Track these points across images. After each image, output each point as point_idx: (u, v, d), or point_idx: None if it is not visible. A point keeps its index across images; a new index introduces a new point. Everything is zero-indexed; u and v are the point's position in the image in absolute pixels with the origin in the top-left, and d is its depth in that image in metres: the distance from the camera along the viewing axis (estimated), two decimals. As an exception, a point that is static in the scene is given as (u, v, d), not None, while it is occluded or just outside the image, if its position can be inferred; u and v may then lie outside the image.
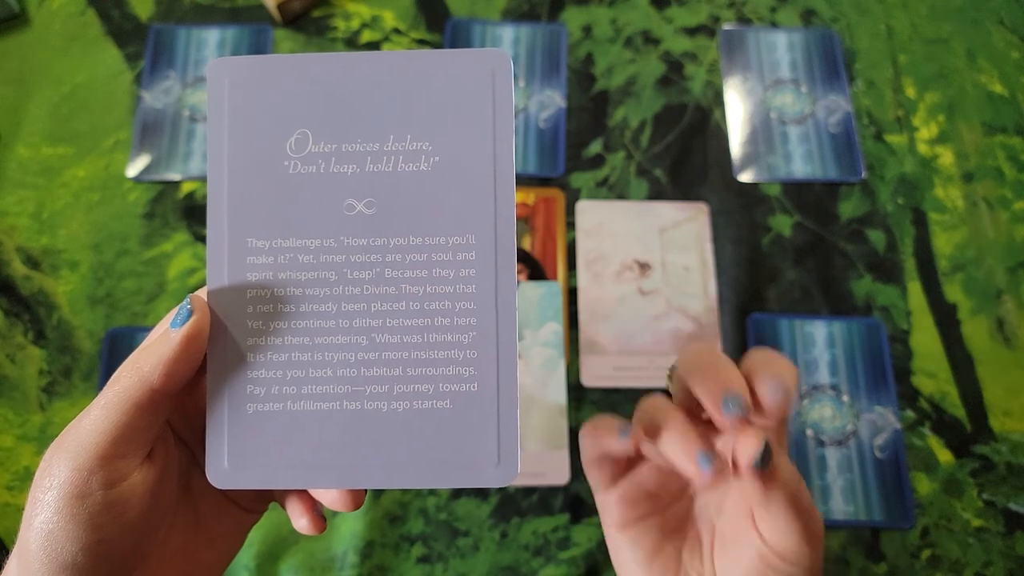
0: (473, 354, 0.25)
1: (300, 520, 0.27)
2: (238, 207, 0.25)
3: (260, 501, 0.29)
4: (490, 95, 0.26)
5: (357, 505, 0.26)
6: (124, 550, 0.24)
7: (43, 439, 0.50)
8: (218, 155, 0.26)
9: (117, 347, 0.52)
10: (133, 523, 0.24)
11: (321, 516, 0.28)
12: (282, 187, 0.25)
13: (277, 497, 0.29)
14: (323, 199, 0.25)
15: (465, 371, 0.25)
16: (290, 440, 0.25)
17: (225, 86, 0.26)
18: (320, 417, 0.25)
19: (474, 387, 0.25)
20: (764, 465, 0.24)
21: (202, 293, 0.26)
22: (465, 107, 0.26)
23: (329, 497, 0.26)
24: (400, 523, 0.49)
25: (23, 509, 0.50)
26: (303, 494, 0.28)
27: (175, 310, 0.25)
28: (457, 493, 0.49)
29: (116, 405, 0.23)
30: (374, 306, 0.25)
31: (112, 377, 0.24)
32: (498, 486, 0.25)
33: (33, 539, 0.23)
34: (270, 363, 0.25)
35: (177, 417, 0.27)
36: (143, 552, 0.25)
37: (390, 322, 0.25)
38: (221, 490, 0.27)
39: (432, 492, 0.49)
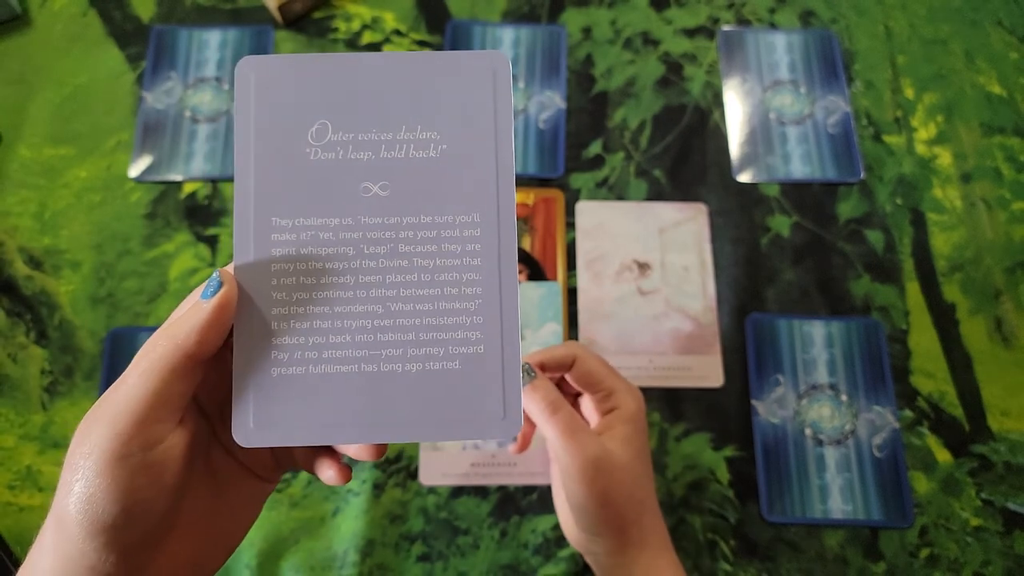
0: (479, 319, 0.27)
1: (327, 472, 0.29)
2: (264, 189, 0.28)
3: (276, 469, 0.31)
4: (491, 91, 0.28)
5: (380, 454, 0.29)
6: (159, 513, 0.25)
7: (45, 439, 0.50)
8: (245, 144, 0.28)
9: (119, 347, 0.52)
10: (169, 486, 0.25)
11: (347, 466, 0.30)
12: (304, 172, 0.28)
13: (300, 459, 0.30)
14: (342, 182, 0.28)
15: (472, 335, 0.27)
16: (312, 400, 0.27)
17: (252, 82, 0.28)
18: (340, 379, 0.27)
19: (480, 349, 0.27)
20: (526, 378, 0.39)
21: (229, 268, 0.27)
22: (470, 101, 0.28)
23: (353, 449, 0.29)
24: (400, 522, 0.49)
25: (25, 508, 0.50)
26: (327, 448, 0.30)
27: (203, 284, 0.26)
28: (457, 492, 0.50)
29: (154, 371, 0.25)
30: (389, 278, 0.28)
31: (143, 348, 0.26)
32: (504, 438, 0.27)
33: (73, 504, 0.24)
34: (293, 330, 0.27)
35: (200, 390, 0.28)
36: (173, 518, 0.26)
37: (403, 292, 0.28)
38: (238, 461, 0.29)
39: (432, 491, 0.50)
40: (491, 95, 0.28)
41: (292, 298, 0.27)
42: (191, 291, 0.55)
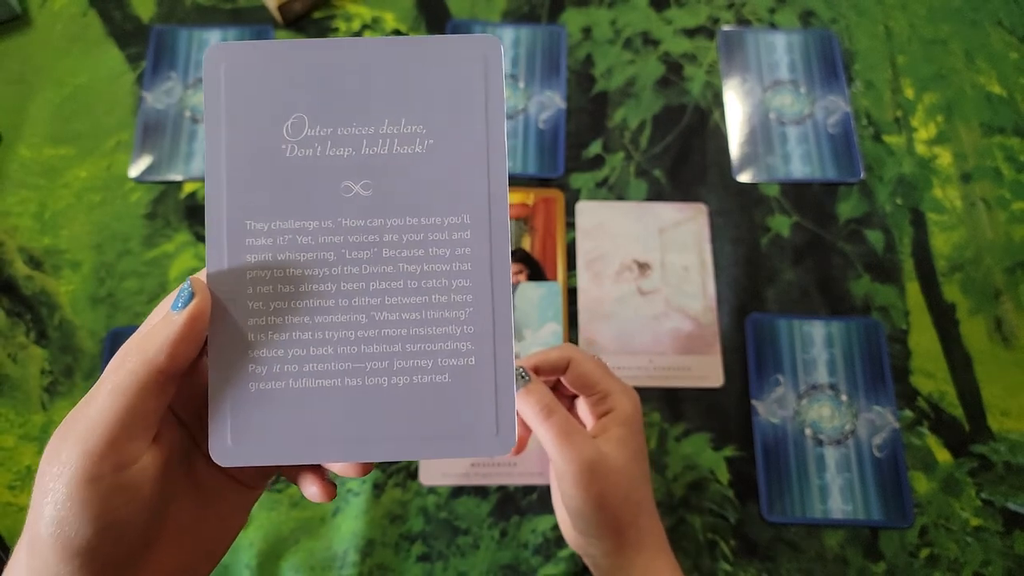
0: (470, 329, 0.26)
1: (310, 489, 0.28)
2: (236, 190, 0.26)
3: (262, 477, 0.30)
4: (482, 79, 0.26)
5: (367, 471, 0.27)
6: (136, 532, 0.24)
7: (45, 439, 0.50)
8: (215, 140, 0.26)
9: (119, 347, 0.52)
10: (144, 504, 0.24)
11: (331, 483, 0.28)
12: (279, 170, 0.26)
13: (284, 471, 0.29)
14: (320, 182, 0.26)
15: (463, 346, 0.26)
16: (293, 416, 0.25)
17: (222, 72, 0.26)
18: (322, 393, 0.26)
19: (472, 361, 0.26)
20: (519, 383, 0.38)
21: (201, 276, 0.26)
22: (458, 91, 0.26)
23: (338, 466, 0.27)
24: (400, 522, 0.49)
25: (25, 508, 0.50)
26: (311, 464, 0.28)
27: (174, 293, 0.25)
28: (457, 492, 0.50)
29: (124, 389, 0.23)
30: (373, 285, 0.26)
31: (113, 363, 0.24)
32: (497, 455, 0.26)
33: (44, 527, 0.23)
34: (271, 342, 0.26)
35: (176, 400, 0.27)
36: (153, 533, 0.25)
37: (389, 300, 0.26)
38: (223, 468, 0.28)
39: (432, 491, 0.50)
40: (482, 84, 0.26)
41: (270, 308, 0.26)
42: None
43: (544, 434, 0.38)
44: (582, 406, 0.42)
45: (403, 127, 0.26)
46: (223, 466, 0.26)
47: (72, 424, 0.24)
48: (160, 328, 0.24)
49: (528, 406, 0.38)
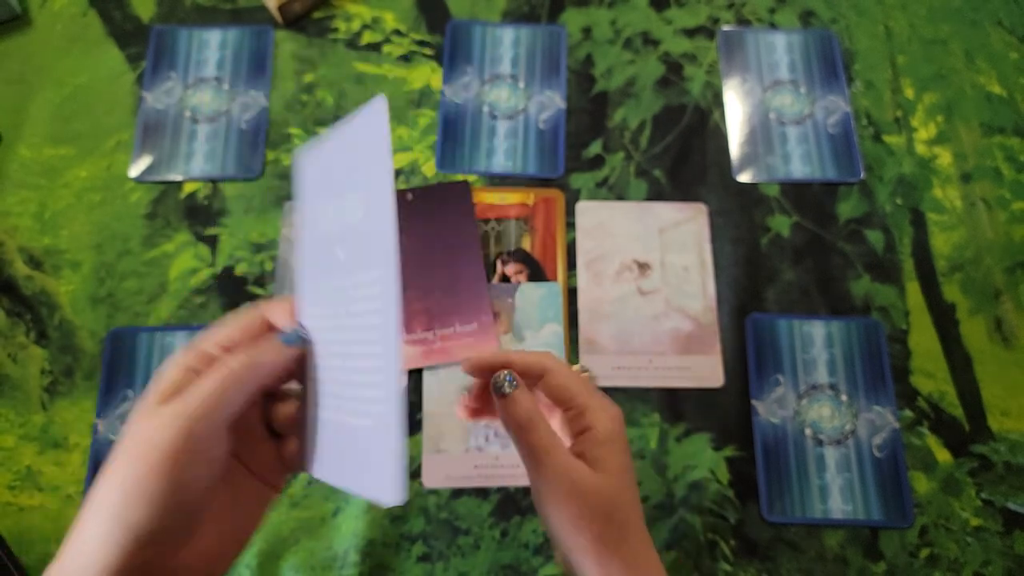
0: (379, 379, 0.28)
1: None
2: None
3: (279, 476, 0.33)
4: (367, 150, 0.29)
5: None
6: (197, 512, 0.28)
7: (44, 439, 0.50)
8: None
9: (118, 347, 0.52)
10: (210, 487, 0.28)
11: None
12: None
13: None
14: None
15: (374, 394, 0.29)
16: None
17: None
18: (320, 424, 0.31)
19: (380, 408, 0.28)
20: (499, 392, 0.36)
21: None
22: (356, 167, 0.30)
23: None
24: (401, 522, 0.49)
25: (25, 508, 0.50)
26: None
27: (277, 305, 0.32)
28: (458, 492, 0.50)
29: (230, 385, 0.28)
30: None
31: (225, 355, 0.29)
32: (386, 503, 0.28)
33: (115, 496, 0.26)
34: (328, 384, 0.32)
35: None
36: (202, 516, 0.28)
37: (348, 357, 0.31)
38: (245, 465, 0.32)
39: (432, 491, 0.50)
40: (367, 154, 0.29)
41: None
42: (190, 291, 0.55)
43: (520, 450, 0.35)
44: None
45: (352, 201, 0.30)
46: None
47: (174, 404, 0.27)
48: (272, 350, 0.30)
49: (509, 417, 0.36)
